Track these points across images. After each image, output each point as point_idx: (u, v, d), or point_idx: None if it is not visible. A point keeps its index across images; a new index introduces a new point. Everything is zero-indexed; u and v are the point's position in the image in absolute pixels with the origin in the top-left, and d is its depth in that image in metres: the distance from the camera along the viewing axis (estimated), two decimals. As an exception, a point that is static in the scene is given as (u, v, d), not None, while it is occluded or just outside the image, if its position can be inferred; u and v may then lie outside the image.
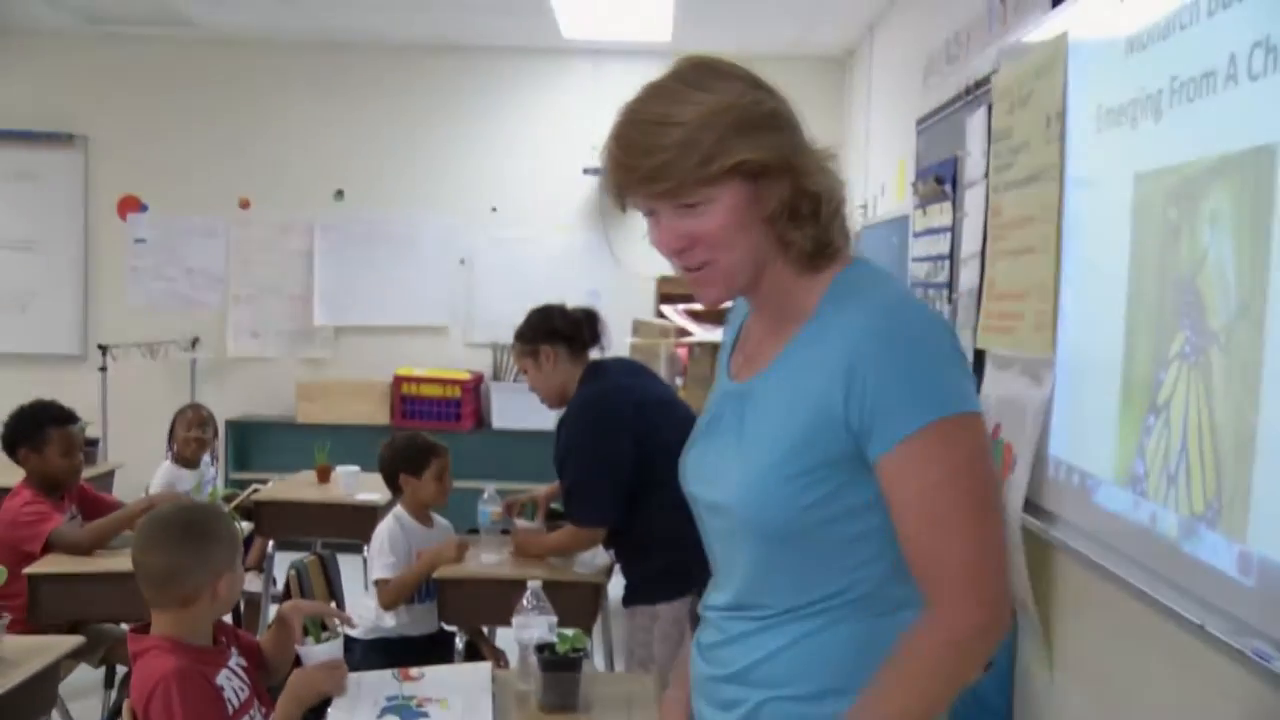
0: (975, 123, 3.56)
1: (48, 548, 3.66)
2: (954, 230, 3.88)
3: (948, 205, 3.97)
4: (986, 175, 3.33)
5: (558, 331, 3.46)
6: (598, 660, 3.81)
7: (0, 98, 7.11)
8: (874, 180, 5.90)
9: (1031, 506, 2.79)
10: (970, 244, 3.55)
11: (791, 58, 6.84)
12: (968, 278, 3.58)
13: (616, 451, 3.28)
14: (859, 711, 1.34)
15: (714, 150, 1.30)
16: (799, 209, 1.36)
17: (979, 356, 3.40)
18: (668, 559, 2.77)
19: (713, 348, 4.97)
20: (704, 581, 2.74)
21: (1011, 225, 3.07)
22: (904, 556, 1.35)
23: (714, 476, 1.46)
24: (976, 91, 3.63)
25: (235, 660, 2.33)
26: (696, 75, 1.35)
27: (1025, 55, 3.03)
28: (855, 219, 6.16)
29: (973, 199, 3.54)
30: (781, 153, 1.34)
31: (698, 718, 1.56)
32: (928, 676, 1.32)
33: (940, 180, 4.05)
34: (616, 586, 3.53)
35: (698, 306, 5.53)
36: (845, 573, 1.38)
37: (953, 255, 3.89)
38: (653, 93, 1.36)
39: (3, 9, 6.59)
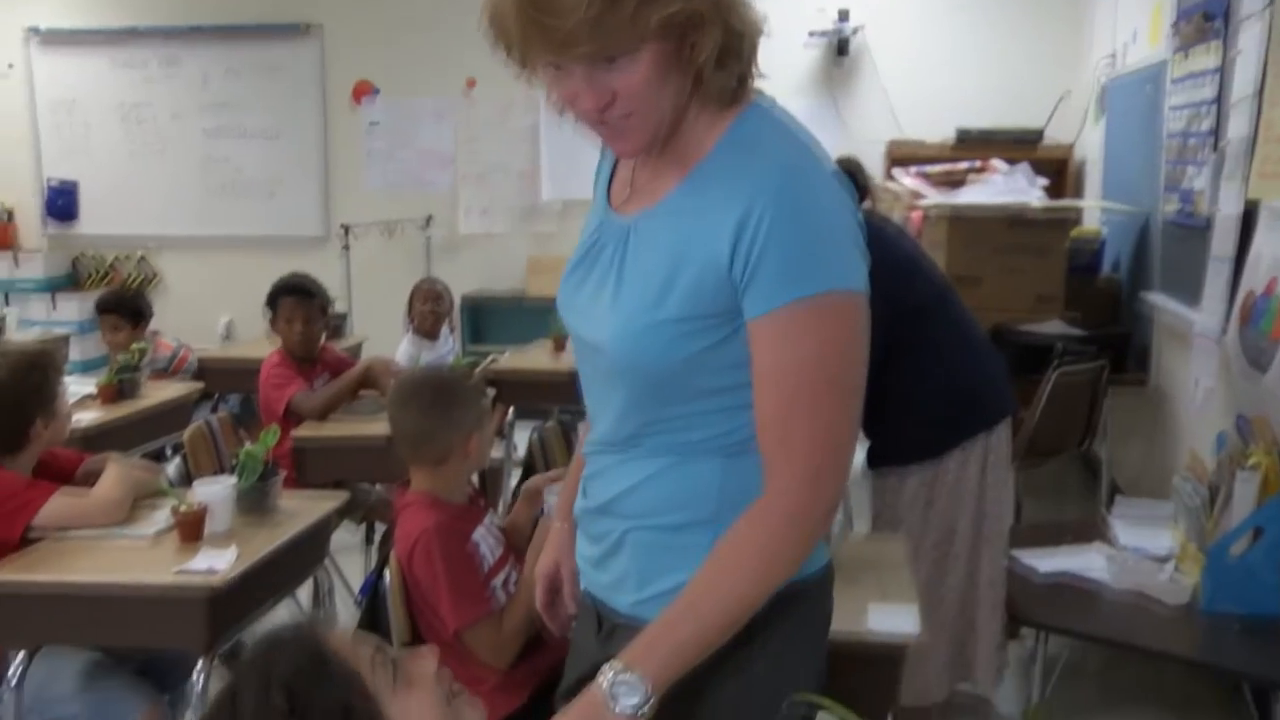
0: (1253, -52, 3.22)
1: (288, 411, 3.86)
2: (1223, 72, 3.56)
3: (1216, 45, 3.63)
4: (1270, 3, 3.01)
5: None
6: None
7: (241, -6, 7.40)
8: (1123, 28, 5.46)
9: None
10: (1244, 85, 3.24)
11: (1030, -103, 6.38)
12: (1239, 123, 3.28)
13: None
14: (696, 585, 1.29)
15: (641, 5, 1.17)
16: (727, 52, 1.27)
17: (1250, 208, 3.13)
18: (920, 420, 2.69)
19: (950, 210, 4.77)
20: (954, 443, 2.66)
21: (1299, 59, 2.78)
22: (754, 421, 1.30)
23: (592, 313, 1.40)
24: (1255, -87, 3.27)
25: (491, 518, 2.42)
26: None
27: None
28: (1100, 71, 5.77)
29: (1249, 35, 3.22)
30: None
31: (577, 552, 1.56)
32: (759, 554, 1.28)
33: (1209, 17, 3.70)
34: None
35: (930, 169, 5.30)
36: (720, 419, 1.35)
37: (1220, 100, 3.57)
38: None
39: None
